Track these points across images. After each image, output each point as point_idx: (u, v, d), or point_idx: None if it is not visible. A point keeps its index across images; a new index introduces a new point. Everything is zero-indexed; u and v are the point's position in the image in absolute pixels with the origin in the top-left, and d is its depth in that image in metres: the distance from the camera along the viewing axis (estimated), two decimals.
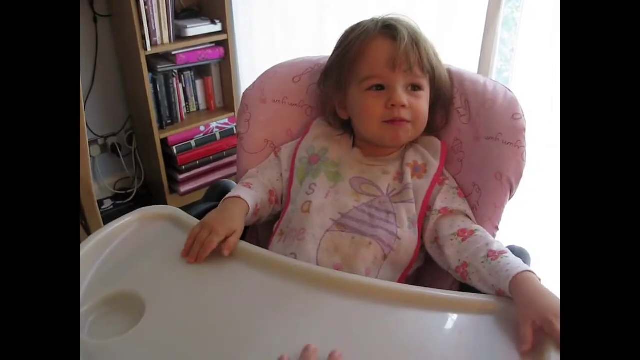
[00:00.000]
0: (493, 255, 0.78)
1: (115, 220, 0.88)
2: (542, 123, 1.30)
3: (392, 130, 0.91)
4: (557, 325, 0.62)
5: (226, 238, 0.82)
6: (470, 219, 0.89)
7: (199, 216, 0.93)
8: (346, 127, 1.00)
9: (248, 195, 0.92)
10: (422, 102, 0.92)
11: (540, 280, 0.72)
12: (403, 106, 0.89)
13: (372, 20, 0.94)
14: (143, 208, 0.92)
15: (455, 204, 0.91)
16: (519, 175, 0.89)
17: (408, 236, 0.88)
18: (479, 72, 1.45)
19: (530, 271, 0.72)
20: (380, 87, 0.90)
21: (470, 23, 1.48)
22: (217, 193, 1.09)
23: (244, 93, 1.06)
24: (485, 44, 1.43)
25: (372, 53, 0.90)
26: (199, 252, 0.80)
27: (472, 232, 0.85)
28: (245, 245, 0.84)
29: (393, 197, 0.91)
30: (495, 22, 1.40)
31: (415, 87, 0.91)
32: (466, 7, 1.51)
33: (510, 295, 0.72)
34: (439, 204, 0.90)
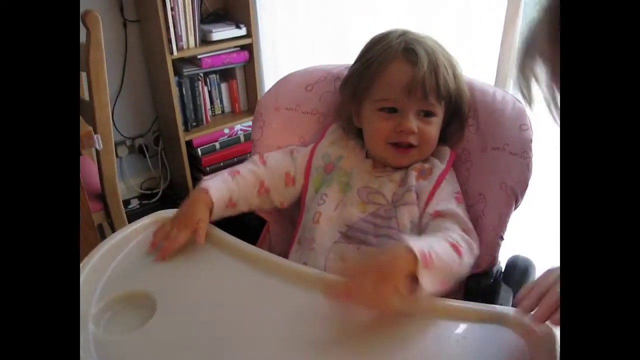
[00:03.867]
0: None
1: (132, 224, 0.92)
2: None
3: (396, 154, 0.93)
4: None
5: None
6: (459, 224, 0.86)
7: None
8: (360, 134, 1.01)
9: (219, 188, 0.95)
10: (432, 127, 0.93)
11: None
12: (412, 132, 0.91)
13: (397, 35, 0.93)
14: (158, 212, 0.96)
15: (450, 205, 0.89)
16: (524, 186, 0.90)
17: None
18: (495, 82, 1.45)
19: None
20: (392, 110, 0.91)
21: (488, 33, 1.48)
22: None
23: (259, 101, 1.09)
24: (503, 54, 1.43)
25: (391, 76, 0.90)
26: (166, 246, 0.84)
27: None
28: (259, 252, 0.87)
29: (397, 202, 0.92)
30: (513, 31, 1.40)
31: (428, 114, 0.92)
32: (484, 16, 1.51)
33: None
34: (432, 206, 0.89)
